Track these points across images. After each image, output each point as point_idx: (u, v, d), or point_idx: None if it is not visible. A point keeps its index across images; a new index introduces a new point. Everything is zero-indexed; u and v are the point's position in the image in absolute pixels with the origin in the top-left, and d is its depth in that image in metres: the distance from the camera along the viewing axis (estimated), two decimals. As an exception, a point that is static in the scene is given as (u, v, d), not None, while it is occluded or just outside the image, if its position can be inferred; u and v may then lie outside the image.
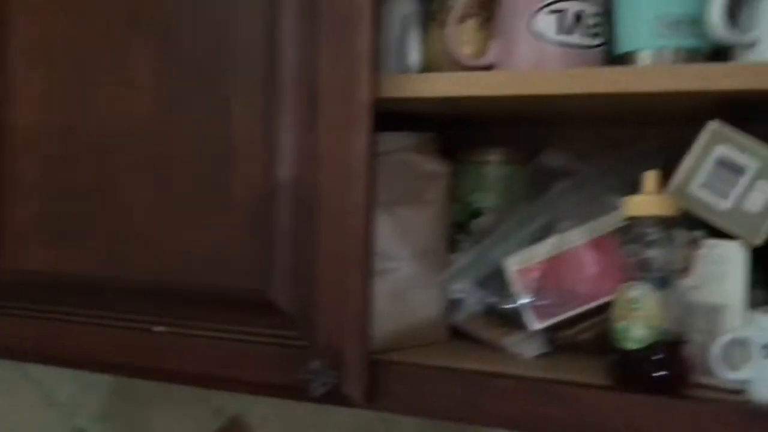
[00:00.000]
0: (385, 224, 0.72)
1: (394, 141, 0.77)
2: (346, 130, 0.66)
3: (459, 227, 0.82)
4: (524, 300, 0.71)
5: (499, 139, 0.88)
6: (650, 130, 0.83)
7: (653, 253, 0.61)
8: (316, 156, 0.67)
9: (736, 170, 0.64)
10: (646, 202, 0.62)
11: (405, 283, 0.73)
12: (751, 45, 0.60)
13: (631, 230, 0.62)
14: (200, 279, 0.71)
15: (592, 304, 0.69)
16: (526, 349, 0.72)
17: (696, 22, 0.62)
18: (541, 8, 0.66)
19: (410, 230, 0.74)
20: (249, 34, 0.69)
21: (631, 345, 0.61)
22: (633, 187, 0.66)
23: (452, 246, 0.81)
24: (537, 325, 0.70)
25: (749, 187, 0.64)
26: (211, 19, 0.71)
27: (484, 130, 0.90)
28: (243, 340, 0.70)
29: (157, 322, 0.73)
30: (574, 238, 0.71)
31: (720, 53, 0.63)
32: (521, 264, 0.71)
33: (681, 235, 0.62)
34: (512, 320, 0.72)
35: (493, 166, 0.84)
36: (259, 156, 0.69)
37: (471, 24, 0.73)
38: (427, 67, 0.75)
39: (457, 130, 0.89)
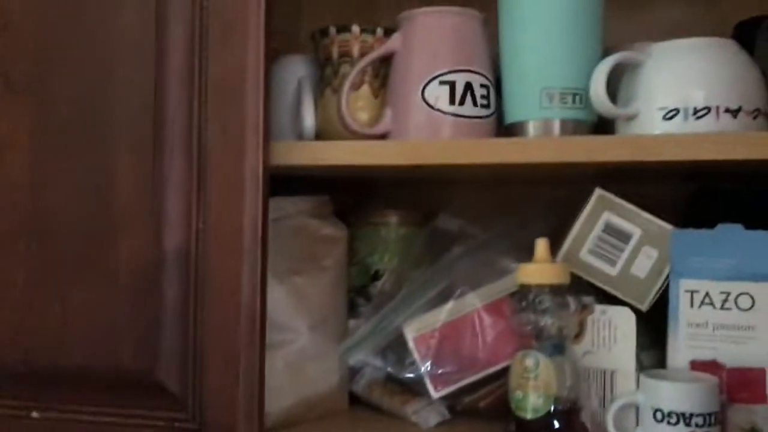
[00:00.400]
0: (280, 294, 0.70)
1: (289, 206, 0.75)
2: (236, 198, 0.64)
3: (358, 290, 0.81)
4: (423, 368, 0.70)
5: (396, 199, 0.88)
6: (540, 190, 0.85)
7: (547, 321, 0.62)
8: (206, 225, 0.64)
9: (623, 236, 0.66)
10: (539, 270, 0.63)
11: (303, 355, 0.71)
12: (632, 117, 0.62)
13: (525, 298, 0.63)
14: (81, 359, 0.67)
15: (491, 370, 0.69)
16: (426, 417, 0.71)
17: (580, 95, 0.64)
18: (432, 79, 0.67)
19: (307, 299, 0.72)
20: (133, 98, 0.66)
21: (528, 414, 0.61)
22: (525, 250, 0.67)
23: (351, 310, 0.79)
24: (437, 392, 0.70)
25: (635, 253, 0.66)
26: (93, 81, 0.68)
27: (380, 191, 0.90)
28: (130, 425, 0.65)
29: (36, 408, 0.68)
30: (471, 302, 0.71)
31: (606, 122, 0.66)
32: (419, 331, 0.71)
33: (573, 301, 0.63)
34: (412, 388, 0.71)
35: (391, 228, 0.84)
36: (144, 225, 0.65)
37: (365, 90, 0.73)
38: (323, 132, 0.75)
39: (353, 191, 0.88)
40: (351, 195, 0.87)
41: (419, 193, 0.89)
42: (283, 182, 0.74)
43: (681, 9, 0.84)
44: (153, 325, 0.65)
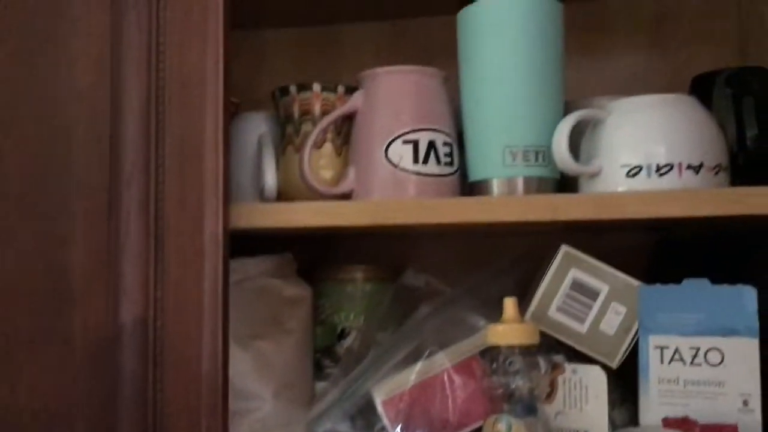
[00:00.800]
0: (244, 361, 0.68)
1: (251, 266, 0.73)
2: (195, 264, 0.62)
3: (324, 351, 0.79)
4: (394, 431, 0.68)
5: (361, 254, 0.87)
6: (506, 242, 0.85)
7: (518, 383, 0.61)
8: (164, 293, 0.62)
9: (590, 293, 0.66)
10: (508, 331, 0.62)
11: (268, 423, 0.69)
12: (595, 174, 0.62)
13: (495, 359, 0.62)
14: (33, 437, 0.63)
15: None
16: (397, 483, 0.68)
17: (543, 152, 0.64)
18: (396, 138, 0.66)
19: (272, 364, 0.70)
20: (88, 162, 0.64)
21: (501, 481, 0.59)
22: (493, 305, 0.66)
23: (317, 372, 0.77)
24: (407, 458, 0.67)
25: (603, 310, 0.65)
26: (46, 144, 0.65)
27: (345, 246, 0.89)
28: (85, 505, 0.62)
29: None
30: (440, 362, 0.70)
31: (570, 178, 0.65)
32: (388, 394, 0.69)
33: (544, 361, 0.62)
34: (382, 453, 0.69)
35: (357, 284, 0.83)
36: (100, 295, 0.63)
37: (328, 148, 0.72)
38: (285, 191, 0.73)
39: (317, 247, 0.87)
40: (314, 250, 0.86)
41: (385, 247, 0.88)
42: (244, 240, 0.72)
43: (636, 61, 0.85)
44: (110, 401, 0.62)
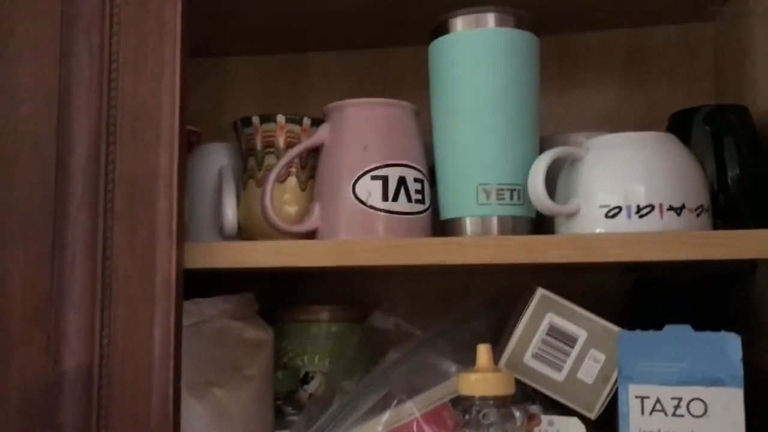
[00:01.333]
0: (199, 411, 0.63)
1: (208, 307, 0.69)
2: (145, 309, 0.57)
3: (286, 397, 0.75)
4: (359, 487, 0.64)
5: (326, 293, 0.83)
6: (479, 280, 0.82)
7: (492, 436, 0.57)
8: (111, 340, 0.57)
9: (568, 339, 0.62)
10: (481, 381, 0.58)
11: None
12: (573, 214, 0.59)
13: (468, 411, 0.58)
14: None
15: (428, 487, 0.63)
16: None
17: (518, 190, 0.61)
18: (364, 174, 0.62)
19: (229, 414, 0.65)
20: (32, 198, 0.60)
21: None
22: (466, 348, 0.63)
23: (278, 419, 0.73)
24: None
25: (582, 357, 0.62)
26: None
27: (309, 284, 0.85)
28: None
29: None
30: (409, 411, 0.65)
31: (545, 217, 0.62)
32: (354, 446, 0.64)
33: (519, 412, 0.59)
34: None
35: (322, 325, 0.79)
36: (39, 342, 0.58)
37: (292, 182, 0.68)
38: (247, 228, 0.69)
39: (280, 285, 0.83)
40: (277, 289, 0.82)
41: (352, 286, 0.84)
42: (201, 278, 0.68)
43: (610, 97, 0.84)
44: (48, 456, 0.56)
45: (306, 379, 0.77)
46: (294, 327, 0.79)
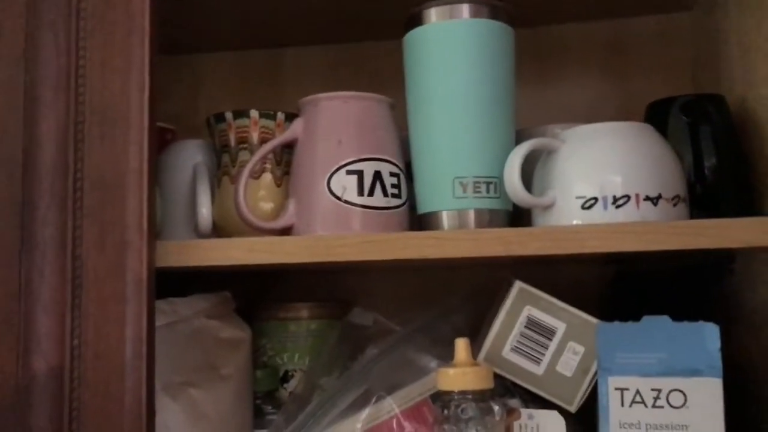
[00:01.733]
0: (174, 412, 0.62)
1: (183, 307, 0.68)
2: (117, 309, 0.56)
3: (265, 396, 0.74)
4: (339, 485, 0.63)
5: (305, 289, 0.83)
6: (457, 275, 0.81)
7: (471, 430, 0.57)
8: (81, 341, 0.56)
9: (546, 331, 0.62)
10: (460, 376, 0.57)
11: (200, 479, 0.63)
12: (549, 206, 0.59)
13: (447, 406, 0.57)
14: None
15: (413, 484, 0.63)
16: None
17: (495, 183, 0.60)
18: (339, 168, 0.62)
19: (206, 414, 0.64)
20: None
21: None
22: (445, 343, 0.62)
23: (257, 418, 0.72)
24: None
25: (560, 349, 0.62)
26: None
27: (287, 281, 0.84)
28: None
29: None
30: (388, 408, 0.65)
31: (523, 209, 0.62)
32: (334, 444, 0.64)
33: (498, 406, 0.58)
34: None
35: (301, 323, 0.78)
36: (8, 344, 0.57)
37: (267, 179, 0.68)
38: (222, 225, 0.68)
39: (257, 282, 0.82)
40: (255, 287, 0.81)
41: (331, 283, 0.83)
42: (176, 277, 0.67)
43: (589, 89, 0.83)
44: (18, 463, 0.55)
45: (286, 378, 0.76)
46: (273, 325, 0.78)
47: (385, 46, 0.84)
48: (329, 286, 0.83)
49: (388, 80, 0.78)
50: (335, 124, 0.63)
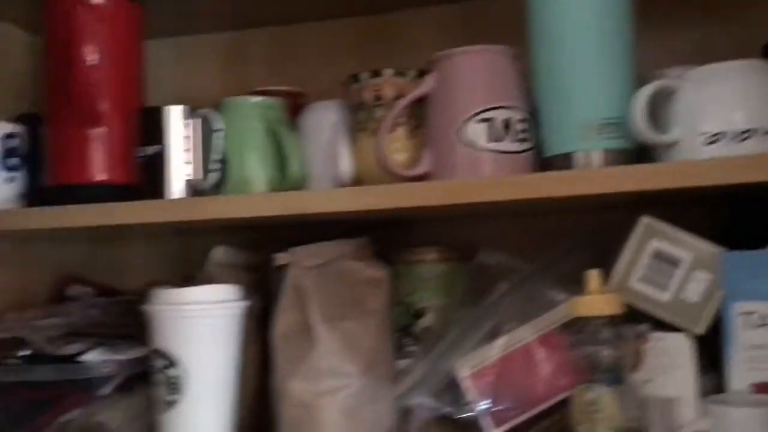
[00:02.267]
0: (332, 340, 0.70)
1: (331, 250, 0.75)
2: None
3: (402, 331, 0.81)
4: (479, 406, 0.69)
5: (433, 235, 0.88)
6: (581, 218, 0.85)
7: (604, 352, 0.62)
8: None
9: (672, 262, 0.66)
10: (593, 302, 0.62)
11: (358, 400, 0.71)
12: (674, 143, 0.63)
13: (581, 330, 0.63)
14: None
15: (549, 404, 0.69)
16: (485, 456, 0.70)
17: (619, 124, 0.64)
18: (471, 117, 0.67)
19: (357, 343, 0.72)
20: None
21: (595, 448, 0.60)
22: (571, 281, 0.67)
23: (398, 351, 0.79)
24: (494, 431, 0.69)
25: (686, 278, 0.66)
26: None
27: (417, 228, 0.90)
28: None
29: None
30: (523, 335, 0.71)
31: (645, 149, 0.66)
32: (473, 369, 0.70)
33: (628, 330, 0.63)
34: (469, 427, 0.71)
35: (430, 266, 0.84)
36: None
37: (401, 132, 0.74)
38: (360, 177, 0.75)
39: (389, 230, 0.88)
40: (389, 235, 0.87)
41: (458, 228, 0.89)
42: (317, 226, 0.74)
43: (703, 31, 0.84)
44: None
45: (419, 315, 0.83)
46: (406, 268, 0.84)
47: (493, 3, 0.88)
48: (454, 232, 0.89)
49: (505, 32, 0.81)
50: (466, 77, 0.68)
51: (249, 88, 0.85)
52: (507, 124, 0.67)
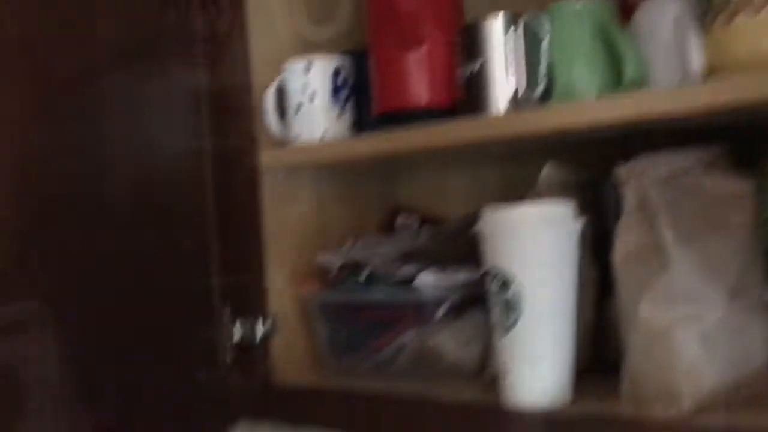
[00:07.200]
0: (687, 259, 0.61)
1: (680, 161, 0.66)
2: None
3: (769, 254, 0.68)
4: None
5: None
6: None
7: None
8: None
9: None
10: None
11: (720, 330, 0.61)
12: None
13: None
14: None
15: None
16: None
17: None
18: None
19: (719, 265, 0.62)
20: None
21: None
22: None
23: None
24: None
25: None
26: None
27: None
28: None
29: None
30: None
31: None
32: None
33: None
34: None
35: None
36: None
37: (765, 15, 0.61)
38: (714, 69, 0.64)
39: (753, 135, 0.75)
40: (750, 139, 0.74)
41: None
42: (659, 138, 0.65)
43: None
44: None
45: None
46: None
47: None
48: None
49: None
50: None
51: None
52: None
